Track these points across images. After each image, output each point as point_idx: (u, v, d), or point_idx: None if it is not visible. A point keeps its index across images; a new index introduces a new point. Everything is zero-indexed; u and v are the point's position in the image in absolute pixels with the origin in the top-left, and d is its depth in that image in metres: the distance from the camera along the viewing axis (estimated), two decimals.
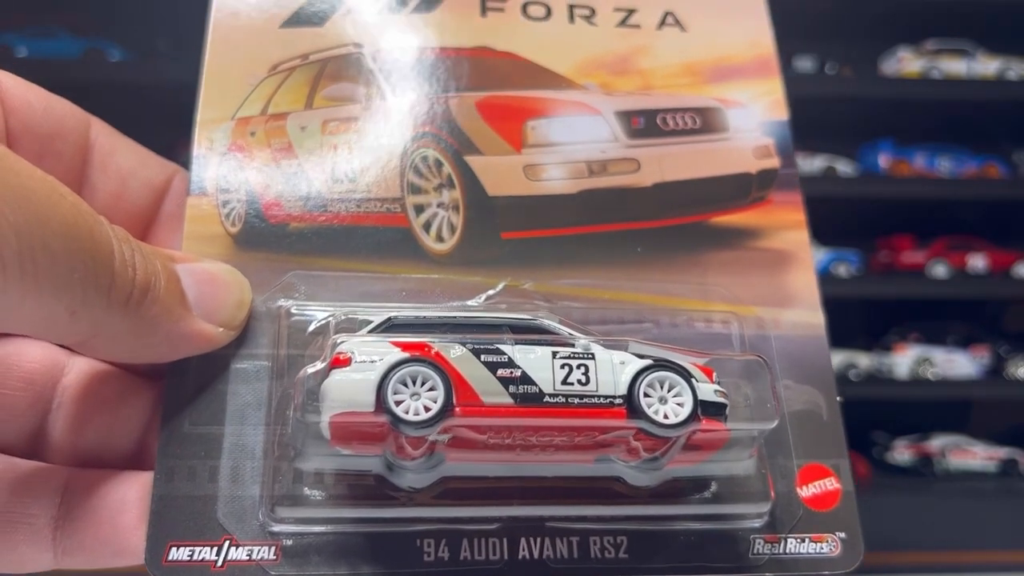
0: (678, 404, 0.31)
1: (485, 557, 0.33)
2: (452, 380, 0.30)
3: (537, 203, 0.39)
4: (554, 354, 0.31)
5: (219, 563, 0.32)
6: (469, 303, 0.36)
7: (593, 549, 0.34)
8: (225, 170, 0.38)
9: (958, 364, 1.87)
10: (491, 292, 0.37)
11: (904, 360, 1.84)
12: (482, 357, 0.31)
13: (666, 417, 0.31)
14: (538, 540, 0.33)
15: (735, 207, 0.41)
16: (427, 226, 0.39)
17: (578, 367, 0.31)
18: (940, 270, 1.87)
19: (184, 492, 0.33)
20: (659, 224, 0.40)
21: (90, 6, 1.82)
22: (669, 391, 0.31)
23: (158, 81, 1.88)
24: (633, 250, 0.39)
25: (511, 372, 0.31)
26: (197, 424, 0.33)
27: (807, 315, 0.39)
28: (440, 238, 0.38)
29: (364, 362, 0.30)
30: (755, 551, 0.35)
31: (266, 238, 0.37)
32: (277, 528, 0.32)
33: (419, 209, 0.39)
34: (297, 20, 0.42)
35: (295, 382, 0.32)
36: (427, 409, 0.29)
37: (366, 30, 0.42)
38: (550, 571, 0.33)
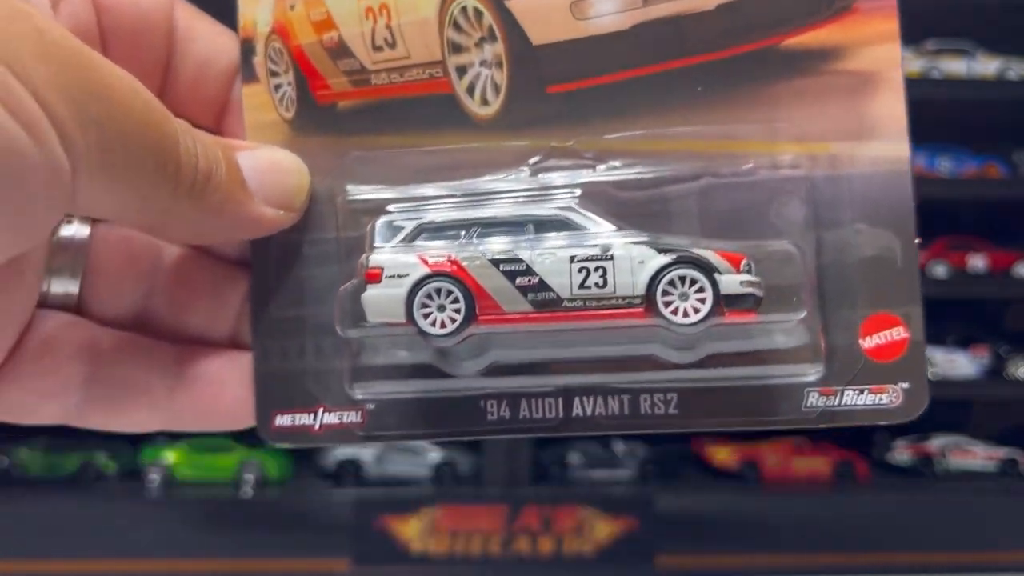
0: (700, 300, 0.31)
1: (543, 416, 0.36)
2: (473, 292, 0.31)
3: (585, 47, 0.36)
4: (572, 258, 0.31)
5: (316, 427, 0.37)
6: (515, 175, 0.36)
7: (644, 406, 0.35)
8: (271, 52, 0.39)
9: (958, 364, 1.85)
10: (536, 159, 0.36)
11: None
12: (501, 267, 0.31)
13: (686, 315, 0.31)
14: (591, 399, 0.36)
15: (815, 22, 0.36)
16: (471, 89, 0.37)
17: (596, 269, 0.31)
18: (940, 270, 1.87)
19: (278, 368, 0.37)
20: (723, 55, 0.36)
21: None
22: (691, 287, 0.31)
23: None
24: (693, 90, 0.36)
25: (529, 280, 0.31)
26: (282, 307, 0.37)
27: (890, 147, 0.35)
28: (485, 101, 0.37)
29: (393, 277, 0.32)
30: (808, 403, 0.35)
31: (319, 120, 0.38)
32: (360, 395, 0.37)
33: (461, 71, 0.38)
34: None
35: (336, 297, 0.34)
36: (453, 320, 0.31)
37: None
38: (602, 427, 0.36)
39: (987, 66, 1.91)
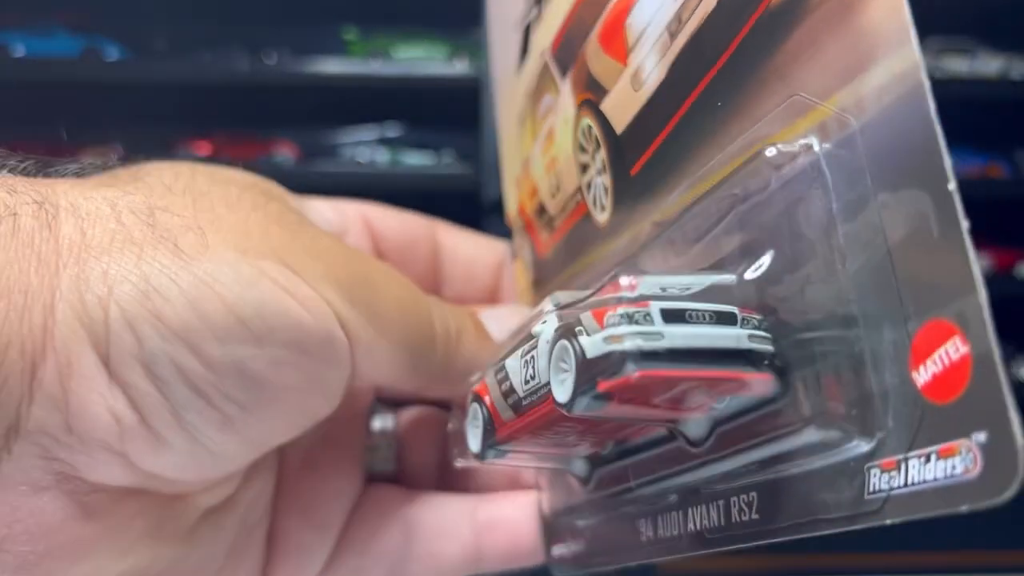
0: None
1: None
2: (488, 408, 0.32)
3: (646, 113, 0.33)
4: (521, 353, 0.29)
5: (568, 555, 0.39)
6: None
7: (734, 513, 0.28)
8: (517, 230, 0.45)
9: None
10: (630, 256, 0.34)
11: None
12: (497, 375, 0.31)
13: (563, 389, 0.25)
14: (698, 509, 0.30)
15: None
16: (594, 201, 0.37)
17: (531, 359, 0.28)
18: None
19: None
20: (729, 51, 0.28)
21: (88, 4, 1.69)
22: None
23: (156, 81, 1.72)
24: (715, 109, 0.29)
25: (507, 385, 0.30)
26: None
27: (895, 61, 0.22)
28: (602, 207, 0.37)
29: (468, 404, 0.35)
30: (872, 488, 0.22)
31: (541, 273, 0.43)
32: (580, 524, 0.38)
33: (588, 187, 0.38)
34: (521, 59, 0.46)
35: None
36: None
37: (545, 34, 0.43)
38: (706, 541, 0.29)
39: (989, 65, 1.86)
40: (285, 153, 1.85)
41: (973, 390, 0.19)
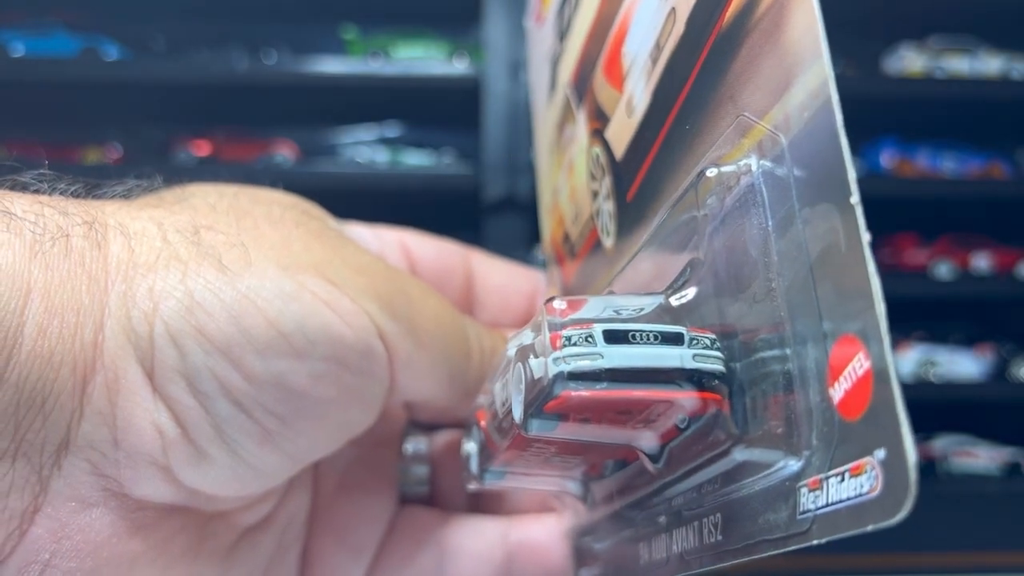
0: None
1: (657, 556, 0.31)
2: (483, 432, 0.33)
3: (637, 140, 0.34)
4: (501, 375, 0.30)
5: None
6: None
7: (704, 533, 0.27)
8: (548, 259, 0.46)
9: (961, 365, 1.76)
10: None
11: (907, 361, 1.75)
12: (487, 400, 0.32)
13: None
14: (680, 531, 0.29)
15: None
16: (602, 227, 0.38)
17: (504, 384, 0.29)
18: (943, 269, 1.80)
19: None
20: (696, 71, 0.29)
21: (87, 4, 1.63)
22: None
23: (155, 80, 1.66)
24: (684, 131, 0.29)
25: (494, 408, 0.31)
26: None
27: (811, 77, 0.22)
28: (607, 233, 0.37)
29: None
30: (802, 508, 0.22)
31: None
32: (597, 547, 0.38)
33: (598, 213, 0.38)
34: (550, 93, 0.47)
35: None
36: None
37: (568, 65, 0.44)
38: (685, 562, 0.29)
39: (990, 64, 1.85)
40: (284, 152, 1.84)
41: (874, 406, 0.19)
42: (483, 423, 0.33)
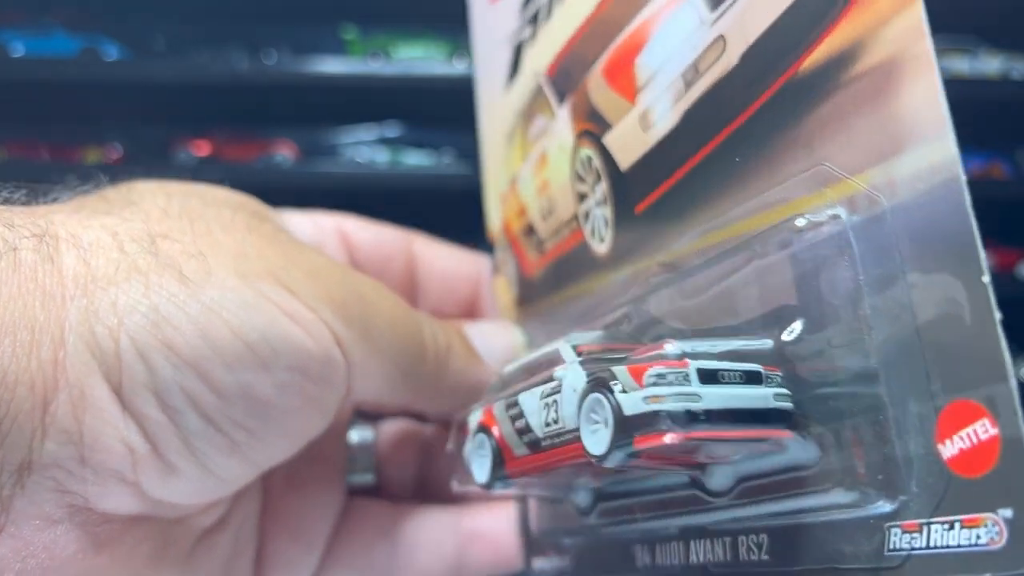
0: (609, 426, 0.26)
1: (668, 562, 0.33)
2: (497, 441, 0.33)
3: (654, 155, 0.34)
4: (541, 394, 0.30)
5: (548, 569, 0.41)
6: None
7: (741, 551, 0.29)
8: (501, 246, 0.46)
9: None
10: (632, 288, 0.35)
11: None
12: (509, 412, 0.32)
13: (598, 441, 0.26)
14: (701, 543, 0.31)
15: (828, 26, 0.27)
16: (593, 231, 0.38)
17: (552, 403, 0.29)
18: None
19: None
20: (752, 110, 0.29)
21: (87, 4, 1.74)
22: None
23: (155, 80, 1.74)
24: (732, 163, 0.30)
25: (521, 423, 0.31)
26: None
27: (930, 151, 0.23)
28: (600, 238, 0.38)
29: (471, 433, 0.35)
30: (892, 545, 0.24)
31: (526, 293, 0.44)
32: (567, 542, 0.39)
33: (586, 217, 0.39)
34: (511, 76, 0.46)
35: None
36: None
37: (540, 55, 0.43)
38: (710, 575, 0.31)
39: (990, 64, 1.85)
40: (284, 153, 1.84)
41: (1001, 469, 0.21)
42: (497, 433, 0.33)
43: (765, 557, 0.28)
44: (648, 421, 0.25)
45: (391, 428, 0.47)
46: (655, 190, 0.34)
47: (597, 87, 0.38)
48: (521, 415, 0.31)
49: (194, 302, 0.31)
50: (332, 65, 1.73)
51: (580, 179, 0.39)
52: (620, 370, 0.26)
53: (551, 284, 0.42)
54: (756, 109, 0.29)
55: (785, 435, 0.26)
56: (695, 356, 0.26)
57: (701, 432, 0.25)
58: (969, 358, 0.22)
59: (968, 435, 0.22)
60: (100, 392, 0.29)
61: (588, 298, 0.39)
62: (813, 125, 0.27)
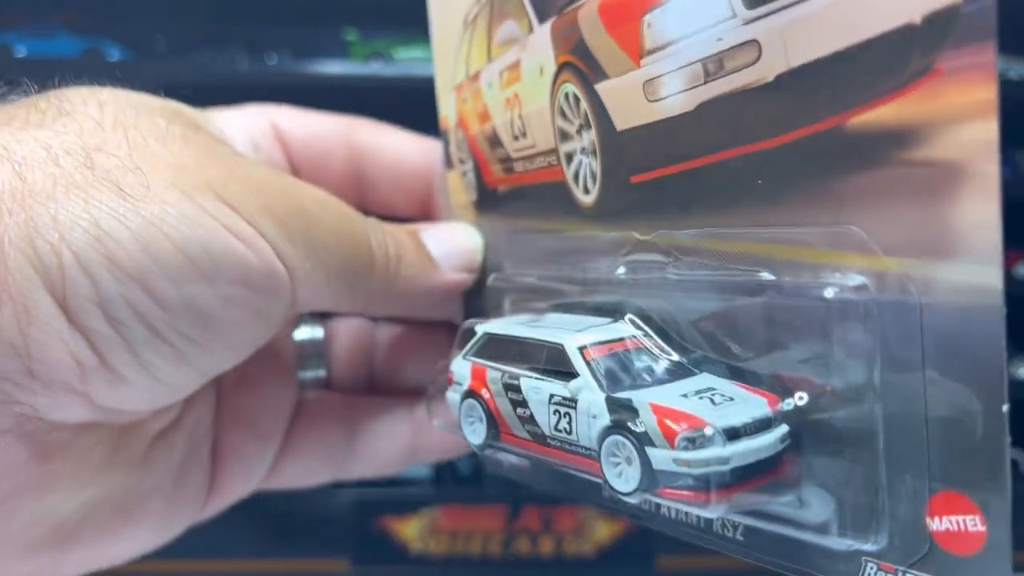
0: (635, 471, 0.28)
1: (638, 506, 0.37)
2: (492, 413, 0.34)
3: (659, 131, 0.33)
4: (550, 397, 0.32)
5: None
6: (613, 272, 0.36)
7: (716, 525, 0.33)
8: (457, 141, 0.44)
9: None
10: (628, 257, 0.35)
11: None
12: (508, 394, 0.33)
13: (626, 482, 0.28)
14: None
15: (887, 91, 0.26)
16: (576, 177, 0.37)
17: (564, 415, 0.31)
18: None
19: None
20: (784, 139, 0.29)
21: (89, 5, 1.65)
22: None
23: (157, 81, 1.68)
24: (754, 183, 0.30)
25: (525, 411, 0.33)
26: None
27: (977, 272, 0.25)
28: (586, 189, 0.37)
29: (455, 385, 0.37)
30: (865, 574, 0.29)
31: (489, 202, 0.43)
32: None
33: (569, 158, 0.37)
34: None
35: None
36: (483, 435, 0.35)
37: None
38: (682, 533, 0.35)
39: None
40: None
41: (981, 559, 0.26)
42: (492, 405, 0.34)
43: (740, 538, 0.33)
44: (677, 478, 0.27)
45: (342, 325, 0.47)
46: (658, 168, 0.33)
47: (591, 25, 0.35)
48: (524, 403, 0.33)
49: (135, 216, 0.31)
50: (333, 67, 1.67)
51: (563, 116, 0.37)
52: (649, 419, 0.28)
53: (520, 208, 0.41)
54: (790, 140, 0.29)
55: (791, 477, 0.29)
56: (715, 404, 0.28)
57: (728, 490, 0.28)
58: (974, 465, 0.25)
59: (958, 522, 0.26)
60: (45, 306, 0.29)
61: (564, 241, 0.38)
62: (851, 185, 0.27)
